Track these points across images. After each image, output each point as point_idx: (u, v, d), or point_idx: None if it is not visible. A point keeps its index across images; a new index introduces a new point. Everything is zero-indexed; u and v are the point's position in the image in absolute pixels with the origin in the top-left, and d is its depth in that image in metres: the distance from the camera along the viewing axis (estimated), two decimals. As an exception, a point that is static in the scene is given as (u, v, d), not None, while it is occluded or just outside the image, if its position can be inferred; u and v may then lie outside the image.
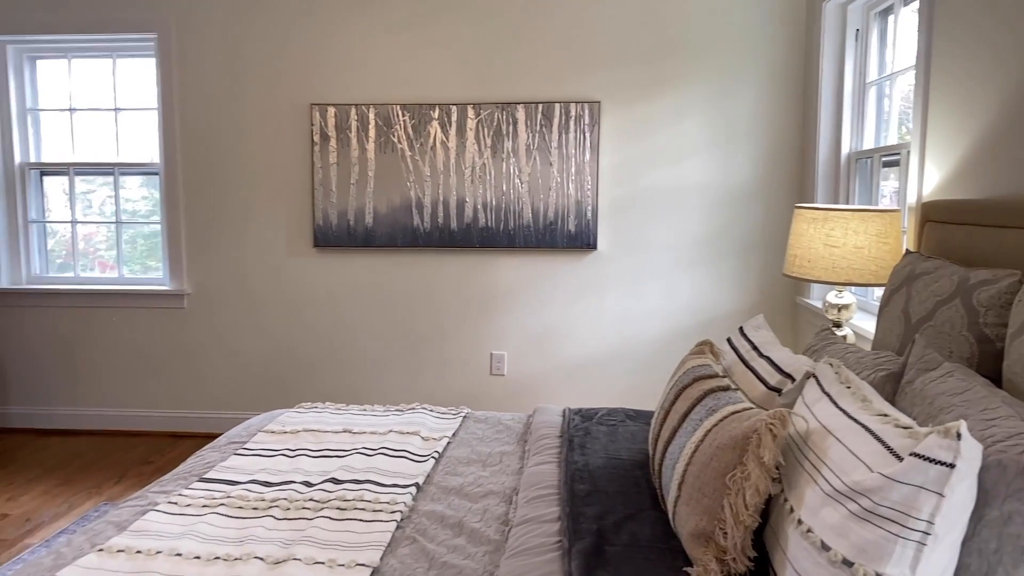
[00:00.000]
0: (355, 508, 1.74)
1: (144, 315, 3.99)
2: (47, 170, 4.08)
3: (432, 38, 3.75)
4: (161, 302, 3.97)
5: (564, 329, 3.83)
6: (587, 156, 3.71)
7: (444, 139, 3.80)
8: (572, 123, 3.71)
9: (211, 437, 3.98)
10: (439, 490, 1.87)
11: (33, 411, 4.09)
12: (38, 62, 4.07)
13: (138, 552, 1.55)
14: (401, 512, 1.72)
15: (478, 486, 1.89)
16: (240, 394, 4.00)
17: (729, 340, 2.03)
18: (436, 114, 3.78)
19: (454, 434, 2.28)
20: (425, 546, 1.58)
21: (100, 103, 4.03)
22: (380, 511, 1.72)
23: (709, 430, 1.48)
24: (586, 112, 3.69)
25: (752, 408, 1.48)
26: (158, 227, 4.05)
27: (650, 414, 2.32)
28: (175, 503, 1.79)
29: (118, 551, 1.56)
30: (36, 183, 4.09)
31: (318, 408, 2.50)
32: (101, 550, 1.56)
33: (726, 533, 1.35)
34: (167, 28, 3.81)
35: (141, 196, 4.14)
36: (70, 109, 4.05)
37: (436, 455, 2.08)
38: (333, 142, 3.83)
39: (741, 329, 2.04)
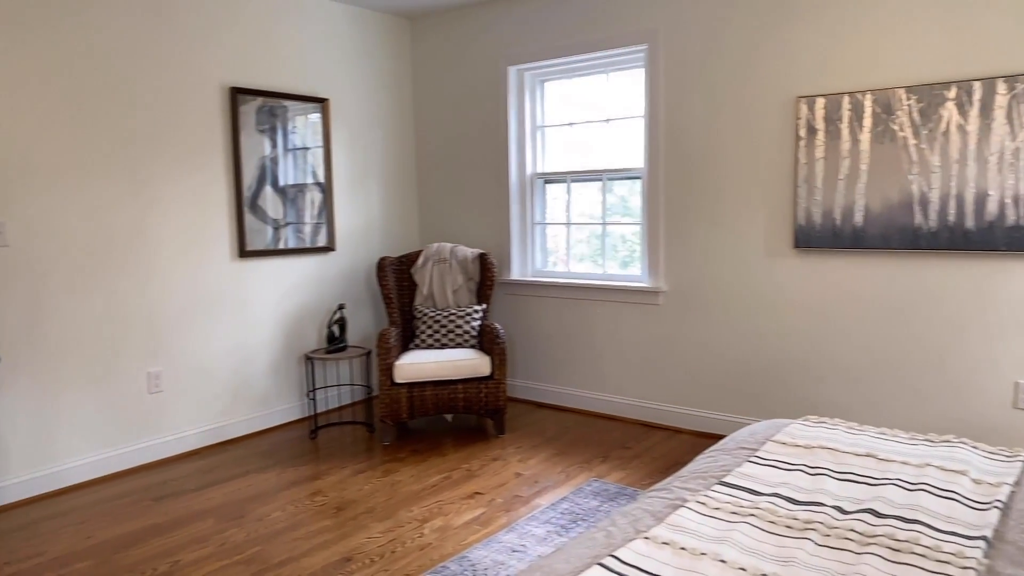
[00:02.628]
0: (911, 552, 1.51)
1: (623, 310, 4.30)
2: (549, 178, 4.68)
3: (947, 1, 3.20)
4: (639, 298, 4.22)
5: None
6: None
7: (962, 122, 3.22)
8: None
9: (677, 432, 4.10)
10: (1020, 551, 1.52)
11: (531, 385, 4.77)
12: (546, 84, 4.68)
13: (682, 548, 1.58)
14: (975, 571, 1.43)
15: (1078, 559, 1.48)
16: (709, 393, 4.03)
17: None
18: (952, 94, 3.22)
19: (1016, 482, 1.86)
20: (1024, 624, 1.27)
21: (593, 116, 4.46)
22: (946, 563, 1.46)
23: None
24: None
25: None
26: (610, 228, 4.32)
27: None
28: (703, 504, 1.80)
29: (663, 543, 1.61)
30: (540, 190, 4.73)
31: (827, 424, 2.31)
32: (647, 538, 1.63)
33: None
34: (655, 39, 4.01)
35: (594, 200, 4.50)
36: (569, 123, 4.57)
37: (1000, 505, 1.71)
38: (821, 135, 3.56)
39: None
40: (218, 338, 4.06)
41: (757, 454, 2.09)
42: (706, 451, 2.22)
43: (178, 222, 3.85)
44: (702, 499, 1.82)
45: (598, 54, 4.27)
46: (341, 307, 4.41)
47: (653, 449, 3.83)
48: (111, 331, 3.60)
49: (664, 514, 1.78)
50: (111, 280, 3.59)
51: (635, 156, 4.30)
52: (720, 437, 3.99)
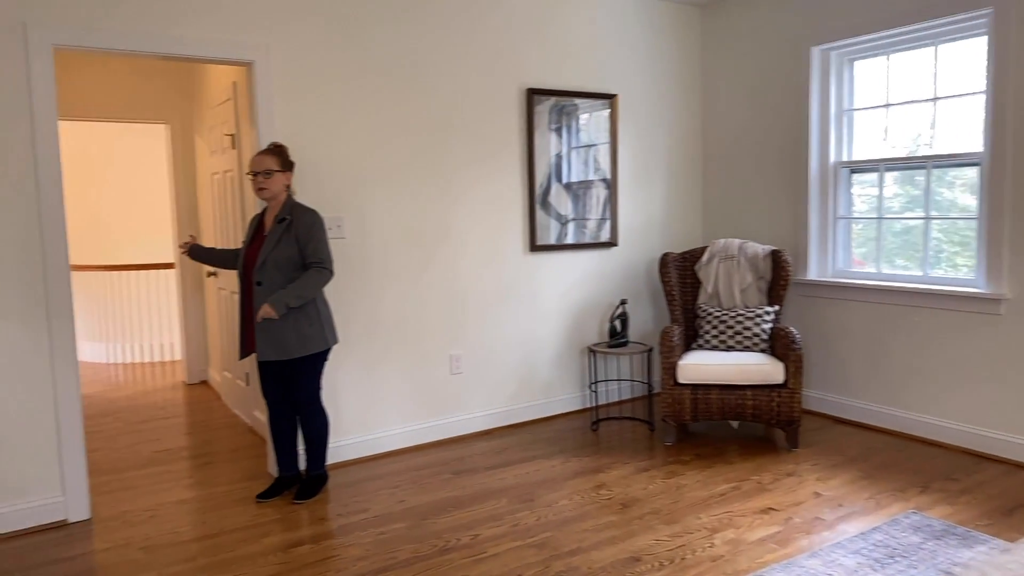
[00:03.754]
0: None
1: (949, 318, 3.70)
2: (856, 167, 4.20)
3: None
4: (971, 306, 3.60)
5: None
6: None
7: None
8: None
9: (1020, 467, 3.43)
10: None
11: (828, 397, 4.33)
12: (855, 63, 4.20)
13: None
14: None
15: None
16: (1066, 425, 3.30)
17: None
18: None
19: None
20: None
21: (915, 96, 3.89)
22: None
23: None
24: None
25: None
26: (912, 224, 3.68)
27: None
28: (1114, 571, 1.43)
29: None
30: (845, 180, 4.26)
31: None
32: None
33: None
34: (1006, 1, 3.36)
35: (893, 193, 3.92)
36: (885, 105, 4.04)
37: None
38: None
39: None
40: (509, 327, 4.28)
41: None
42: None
43: (479, 218, 4.12)
44: (1111, 564, 1.45)
45: (923, 24, 3.71)
46: (623, 302, 4.40)
47: (987, 484, 3.24)
48: (422, 316, 3.98)
49: (1055, 575, 1.44)
50: (423, 270, 3.96)
51: (967, 140, 3.66)
52: (1083, 481, 3.25)
